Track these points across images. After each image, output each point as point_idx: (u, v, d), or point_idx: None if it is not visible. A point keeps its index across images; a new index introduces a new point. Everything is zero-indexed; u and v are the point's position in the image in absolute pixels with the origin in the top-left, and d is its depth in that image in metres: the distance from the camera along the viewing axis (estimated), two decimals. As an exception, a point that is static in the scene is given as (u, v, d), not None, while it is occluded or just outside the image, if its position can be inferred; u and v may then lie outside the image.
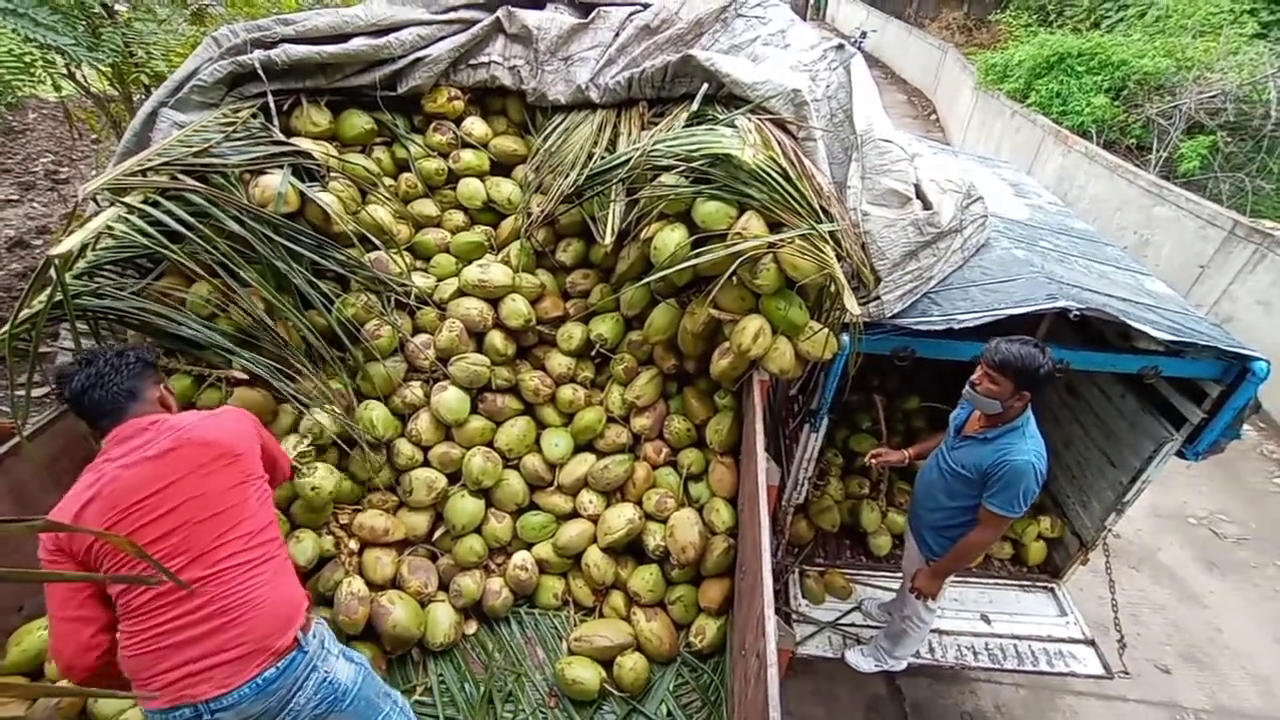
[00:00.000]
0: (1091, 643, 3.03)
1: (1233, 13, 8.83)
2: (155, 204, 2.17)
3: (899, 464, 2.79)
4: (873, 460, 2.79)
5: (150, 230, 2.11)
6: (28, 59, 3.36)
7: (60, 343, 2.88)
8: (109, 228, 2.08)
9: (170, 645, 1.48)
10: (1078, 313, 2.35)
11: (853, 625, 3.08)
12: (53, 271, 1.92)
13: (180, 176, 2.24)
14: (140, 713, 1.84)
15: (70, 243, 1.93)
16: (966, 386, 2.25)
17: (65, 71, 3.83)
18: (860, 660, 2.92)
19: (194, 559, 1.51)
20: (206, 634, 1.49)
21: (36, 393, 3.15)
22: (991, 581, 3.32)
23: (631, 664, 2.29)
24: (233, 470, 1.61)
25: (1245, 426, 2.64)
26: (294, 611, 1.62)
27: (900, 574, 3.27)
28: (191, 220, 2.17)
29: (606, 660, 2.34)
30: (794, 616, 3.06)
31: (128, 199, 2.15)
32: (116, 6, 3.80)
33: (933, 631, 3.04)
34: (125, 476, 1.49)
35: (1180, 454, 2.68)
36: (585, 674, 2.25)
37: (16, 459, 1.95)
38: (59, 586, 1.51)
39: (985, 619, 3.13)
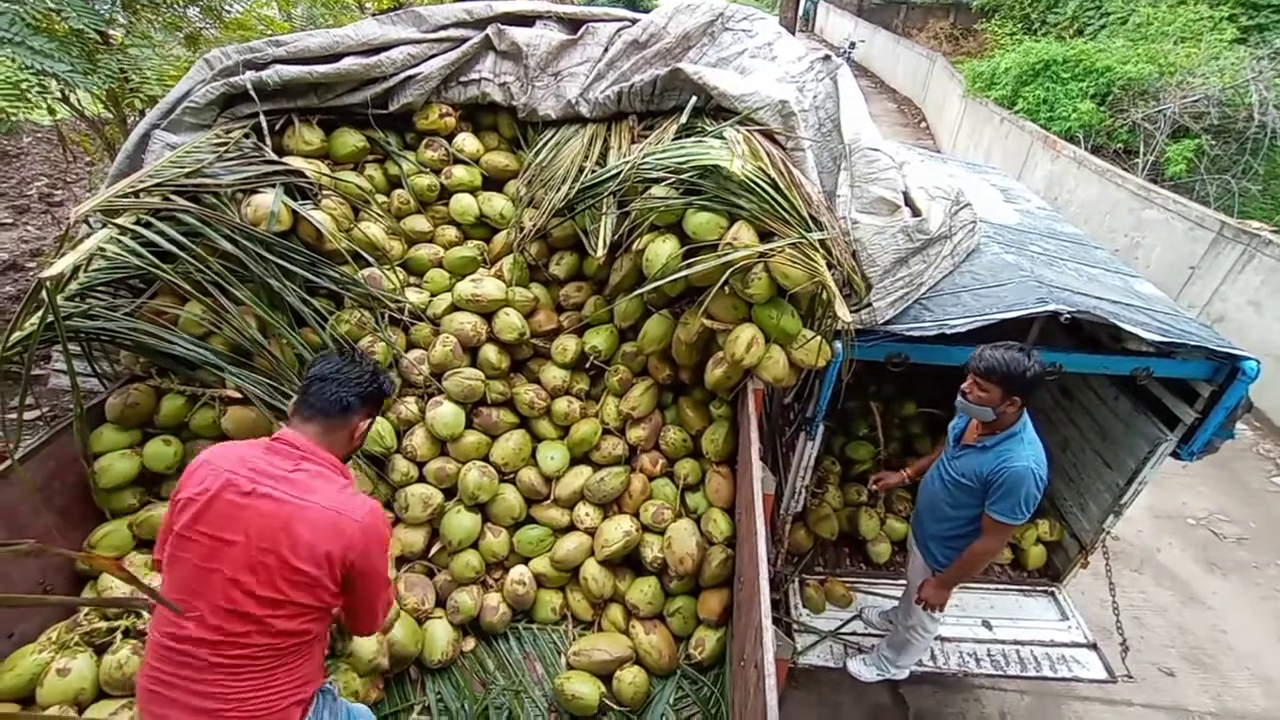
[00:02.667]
0: (1094, 646, 3.01)
1: (1212, 19, 8.99)
2: (148, 225, 2.17)
3: (900, 485, 2.79)
4: (876, 485, 2.79)
5: (142, 251, 2.11)
6: (23, 85, 3.38)
7: (53, 365, 2.88)
8: (101, 249, 2.08)
9: (164, 685, 1.41)
10: (1068, 316, 2.36)
11: (854, 634, 3.06)
12: (44, 294, 1.92)
13: (172, 197, 2.25)
14: None
15: (62, 264, 1.94)
16: (959, 396, 2.25)
17: (60, 96, 3.86)
18: (862, 669, 2.90)
19: (199, 623, 1.40)
20: (194, 710, 1.39)
21: (29, 416, 3.14)
22: (992, 587, 3.30)
23: (631, 678, 2.27)
24: (287, 586, 1.42)
25: (1240, 426, 2.65)
26: (299, 708, 1.50)
27: (902, 582, 3.26)
28: (184, 240, 2.17)
29: (606, 674, 2.31)
30: (794, 626, 3.03)
31: (120, 220, 2.16)
32: (111, 32, 3.84)
33: (934, 639, 3.02)
34: (240, 502, 1.41)
35: (1176, 454, 2.68)
36: (584, 689, 2.23)
37: (7, 482, 1.94)
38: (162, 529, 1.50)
39: (987, 625, 3.11)
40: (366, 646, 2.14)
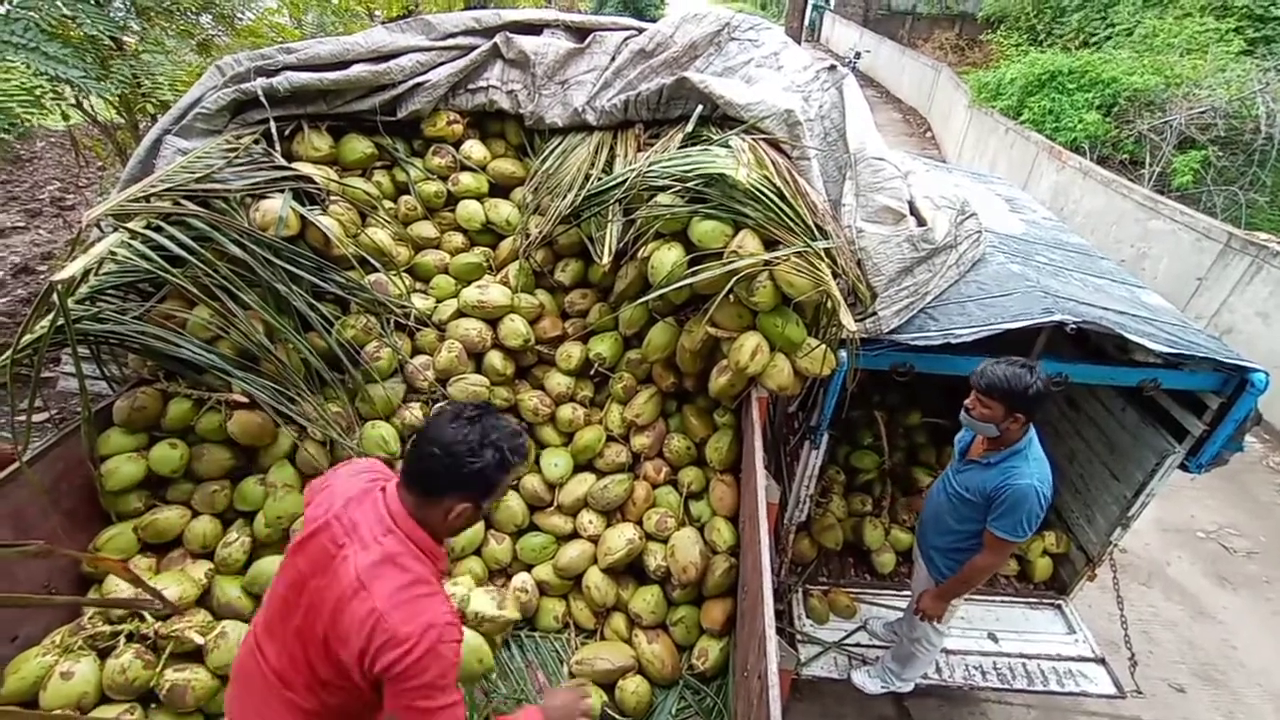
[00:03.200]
0: (1102, 661, 2.97)
1: (1218, 31, 8.99)
2: (158, 229, 2.19)
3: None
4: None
5: (152, 255, 2.13)
6: (37, 91, 3.42)
7: (62, 368, 2.90)
8: (112, 253, 2.10)
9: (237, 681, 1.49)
10: (1074, 326, 2.35)
11: (858, 645, 3.03)
12: (55, 297, 1.94)
13: (183, 202, 2.27)
14: None
15: (73, 268, 1.95)
16: (962, 412, 2.24)
17: (73, 101, 3.91)
18: (867, 681, 2.87)
19: (273, 654, 1.39)
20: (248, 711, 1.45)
21: (37, 418, 3.16)
22: (998, 599, 3.27)
23: (634, 687, 2.26)
24: (333, 671, 1.34)
25: (1249, 438, 2.63)
26: None
27: (907, 593, 3.24)
28: (193, 244, 2.19)
29: (608, 684, 2.30)
30: (798, 637, 3.01)
31: (131, 224, 2.18)
32: (125, 38, 3.89)
33: (940, 651, 2.99)
34: (326, 553, 1.33)
35: (1184, 466, 2.66)
36: (586, 698, 2.21)
37: (16, 484, 1.95)
38: None
39: (993, 638, 3.08)
40: None
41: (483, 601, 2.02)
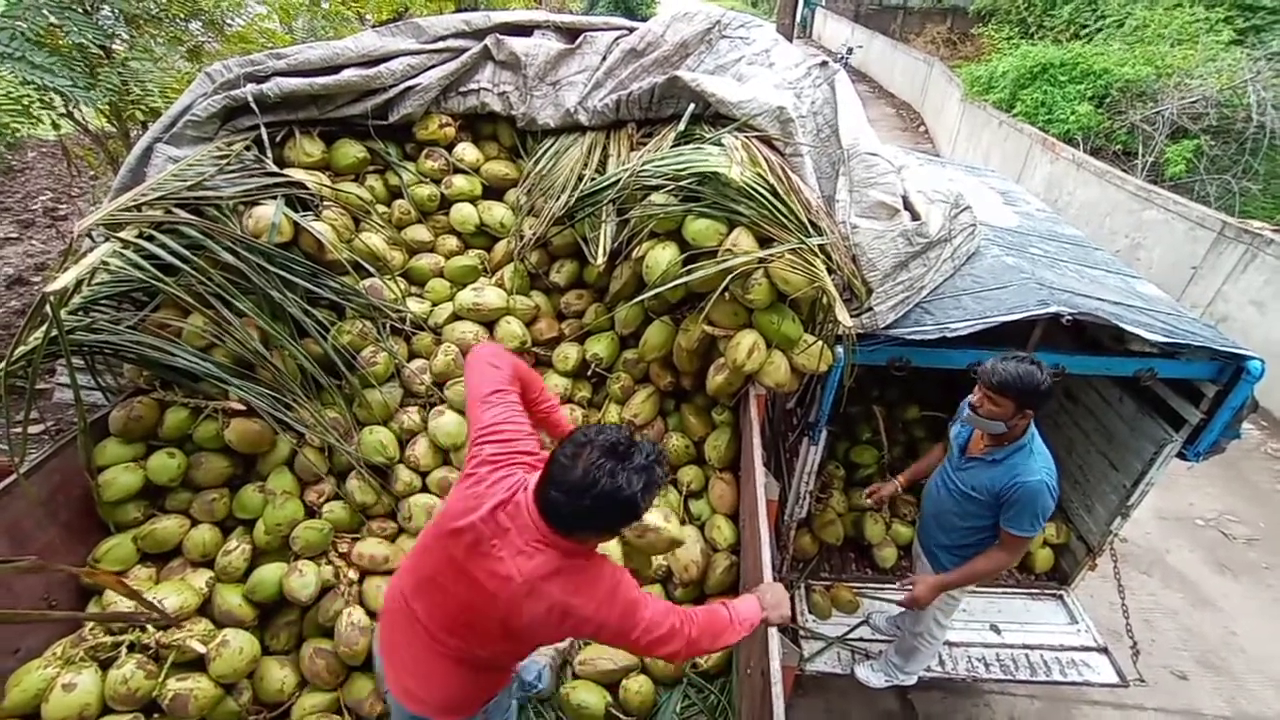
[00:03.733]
0: (1104, 650, 2.98)
1: (1208, 21, 9.01)
2: (150, 238, 2.19)
3: (895, 493, 2.77)
4: (871, 498, 2.77)
5: (145, 264, 2.12)
6: (25, 101, 3.41)
7: (57, 379, 2.89)
8: (104, 263, 2.09)
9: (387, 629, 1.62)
10: (1070, 317, 2.36)
11: (861, 640, 3.04)
12: (48, 308, 1.93)
13: (175, 210, 2.26)
14: None
15: (65, 279, 1.94)
16: (966, 409, 2.22)
17: (64, 111, 3.90)
18: (870, 676, 2.87)
19: (425, 615, 1.52)
20: (398, 662, 1.57)
21: (33, 430, 3.15)
22: (1000, 591, 3.28)
23: (637, 687, 2.25)
24: (512, 636, 1.44)
25: (1246, 426, 2.64)
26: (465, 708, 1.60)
27: (909, 586, 3.24)
28: (186, 253, 2.18)
29: (612, 683, 2.30)
30: (801, 633, 3.01)
31: (123, 234, 2.17)
32: (114, 46, 3.87)
33: (942, 644, 3.00)
34: (477, 549, 1.38)
35: (1181, 455, 2.67)
36: (590, 698, 2.21)
37: (12, 496, 1.94)
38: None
39: (995, 629, 3.09)
40: None
41: (652, 516, 2.05)
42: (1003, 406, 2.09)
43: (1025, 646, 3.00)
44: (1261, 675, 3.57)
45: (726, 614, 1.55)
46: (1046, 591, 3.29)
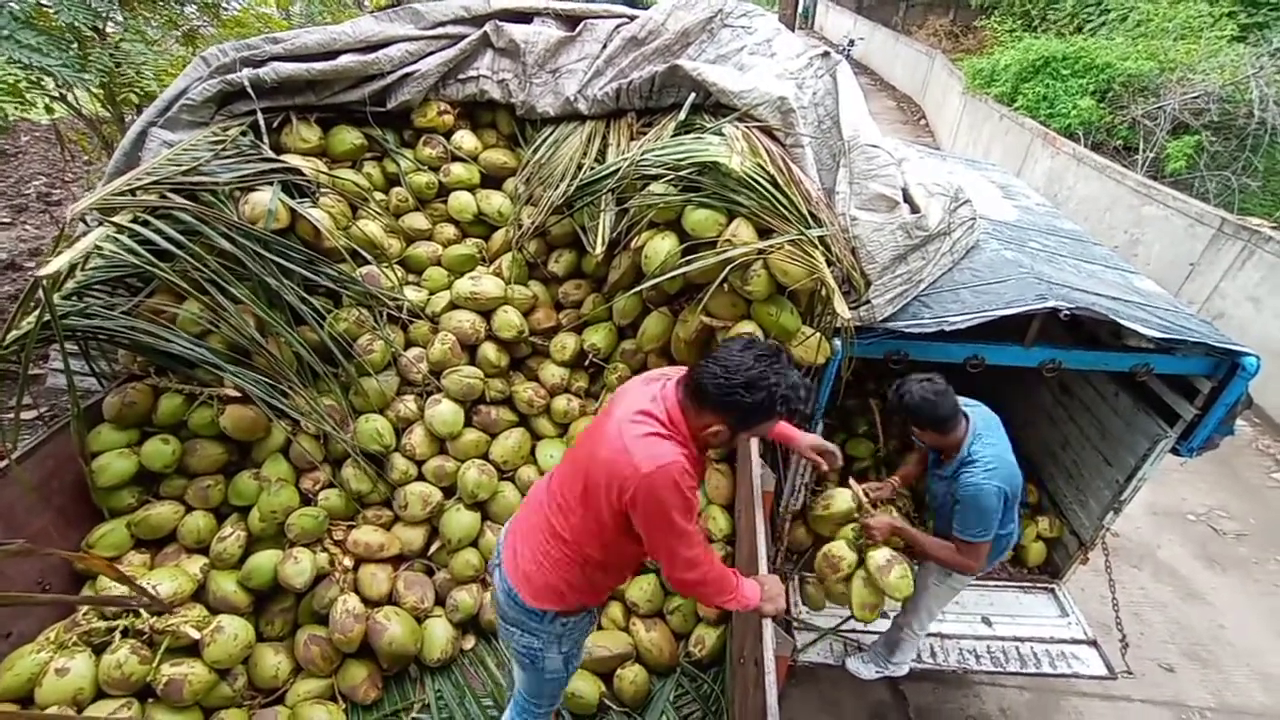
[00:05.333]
0: (1094, 643, 3.01)
1: (1212, 16, 8.96)
2: (145, 223, 2.17)
3: (891, 495, 2.75)
4: (867, 498, 2.76)
5: (139, 249, 2.10)
6: (13, 80, 3.36)
7: (50, 364, 2.88)
8: (98, 247, 2.08)
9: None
10: (1068, 312, 2.36)
11: (854, 632, 3.06)
12: (41, 292, 1.91)
13: (170, 195, 2.24)
14: None
15: (58, 263, 1.93)
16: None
17: (57, 94, 3.85)
18: (861, 667, 2.90)
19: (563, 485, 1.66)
20: (517, 540, 1.75)
21: (26, 415, 3.13)
22: (992, 583, 3.30)
23: (632, 676, 2.27)
24: (584, 505, 1.58)
25: (1239, 422, 2.64)
26: (539, 599, 1.68)
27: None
28: (181, 238, 2.16)
29: (606, 672, 2.31)
30: (794, 624, 3.03)
31: (117, 218, 2.15)
32: (107, 29, 3.82)
33: (934, 635, 3.02)
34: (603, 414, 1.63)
35: (1175, 451, 2.68)
36: (584, 686, 2.23)
37: (5, 482, 1.94)
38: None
39: (986, 621, 3.11)
40: None
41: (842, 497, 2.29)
42: (921, 431, 2.25)
43: (1016, 639, 3.02)
44: (1247, 668, 3.62)
45: (734, 581, 1.66)
46: (1038, 585, 3.32)
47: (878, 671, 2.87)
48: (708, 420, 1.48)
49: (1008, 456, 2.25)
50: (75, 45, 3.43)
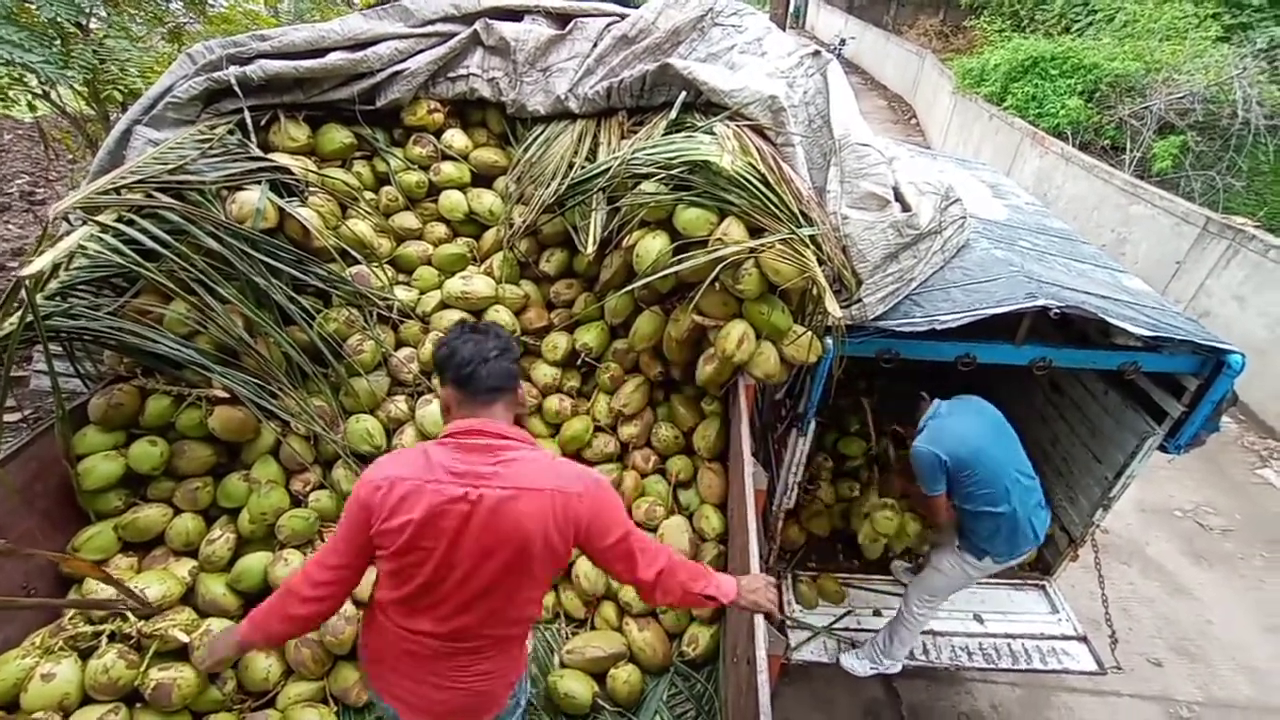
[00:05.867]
0: (1084, 639, 3.04)
1: (1197, 17, 9.07)
2: (130, 222, 2.14)
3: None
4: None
5: (124, 249, 2.07)
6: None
7: (34, 366, 2.84)
8: (82, 247, 2.04)
9: (388, 661, 1.57)
10: (1058, 311, 2.38)
11: (847, 630, 3.07)
12: (24, 292, 1.89)
13: (155, 194, 2.21)
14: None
15: (41, 263, 1.90)
16: None
17: (40, 91, 3.79)
18: (855, 664, 2.91)
19: (433, 623, 1.49)
20: (419, 682, 1.55)
21: (10, 418, 3.09)
22: (984, 581, 3.33)
23: (625, 676, 2.26)
24: (522, 575, 1.48)
25: (1225, 419, 2.67)
26: (500, 695, 1.64)
27: (889, 577, 3.30)
28: (167, 238, 2.14)
29: (600, 672, 2.31)
30: (787, 622, 3.04)
31: (101, 217, 2.12)
32: (91, 25, 3.77)
33: (927, 633, 3.04)
34: (444, 516, 1.39)
35: (1163, 448, 2.71)
36: (577, 687, 2.22)
37: (-12, 485, 1.91)
38: (340, 542, 1.49)
39: (978, 619, 3.14)
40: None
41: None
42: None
43: (1008, 635, 3.05)
44: (1233, 662, 3.66)
45: (704, 568, 1.66)
46: (1029, 582, 3.34)
47: (872, 668, 2.89)
48: (518, 395, 1.59)
49: (955, 428, 2.54)
50: (58, 41, 3.38)
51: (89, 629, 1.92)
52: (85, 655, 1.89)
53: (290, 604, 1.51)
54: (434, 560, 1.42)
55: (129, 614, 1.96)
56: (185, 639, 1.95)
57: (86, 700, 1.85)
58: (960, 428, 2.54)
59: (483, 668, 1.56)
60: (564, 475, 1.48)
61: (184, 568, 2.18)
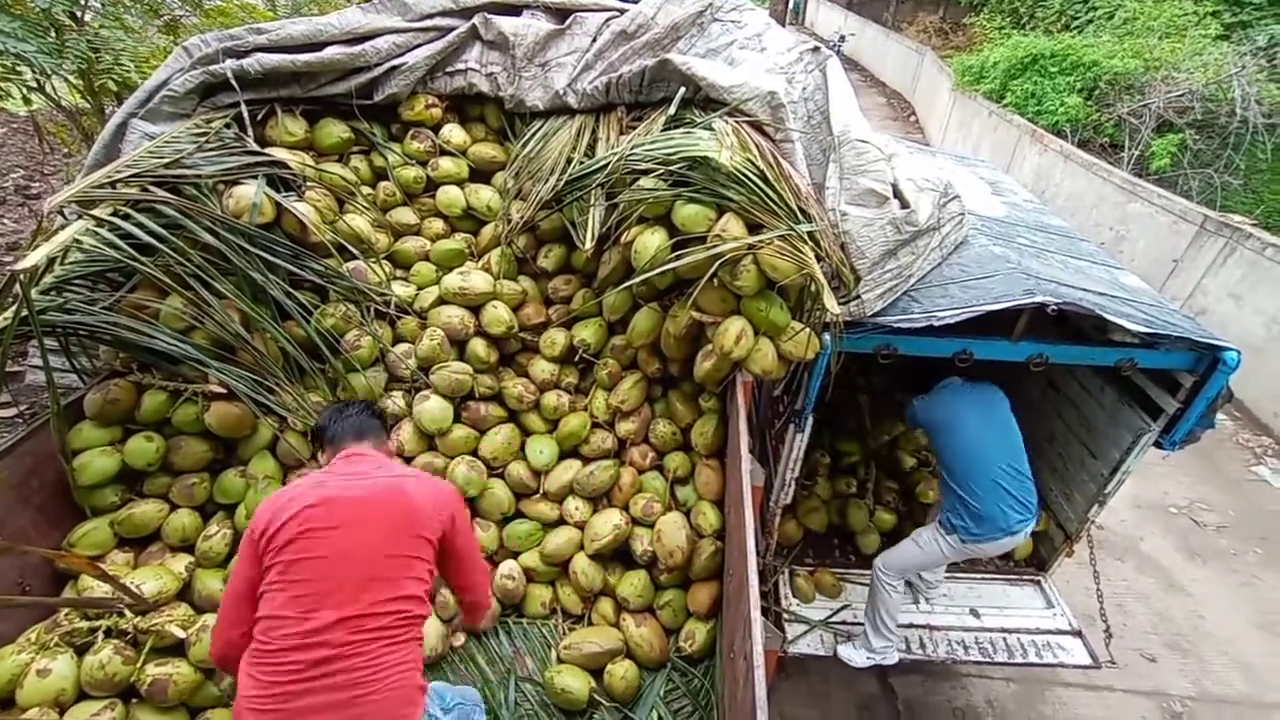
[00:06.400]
0: (1079, 634, 3.05)
1: (1196, 14, 9.07)
2: (126, 216, 2.13)
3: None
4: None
5: (120, 243, 2.07)
6: (-10, 69, 3.29)
7: (30, 361, 2.83)
8: (77, 241, 2.04)
9: (294, 696, 1.41)
10: (1055, 307, 2.38)
11: (843, 624, 3.08)
12: (18, 286, 1.88)
13: (151, 188, 2.20)
14: None
15: (36, 257, 1.89)
16: None
17: (34, 84, 3.76)
18: (852, 653, 2.92)
19: (337, 608, 1.47)
20: (334, 704, 1.42)
21: (4, 413, 3.08)
22: (980, 576, 3.34)
23: (622, 671, 2.27)
24: (413, 542, 1.59)
25: (1220, 416, 2.69)
26: (415, 692, 1.55)
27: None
28: (163, 232, 2.13)
29: (597, 668, 2.31)
30: (784, 616, 3.05)
31: (97, 211, 2.11)
32: (85, 15, 3.74)
33: (923, 628, 3.05)
34: (337, 500, 1.56)
35: (1158, 444, 2.72)
36: (574, 683, 2.23)
37: (-17, 480, 1.90)
38: (238, 581, 1.55)
39: (974, 613, 3.15)
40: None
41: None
42: None
43: (1003, 630, 3.06)
44: (1226, 657, 3.68)
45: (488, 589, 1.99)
46: (1025, 577, 3.36)
47: (869, 658, 2.89)
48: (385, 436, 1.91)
49: (950, 400, 2.73)
50: (52, 31, 3.35)
51: (85, 625, 1.92)
52: (81, 651, 1.89)
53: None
54: (332, 538, 1.50)
55: (125, 610, 1.95)
56: (181, 635, 1.95)
57: (82, 696, 1.85)
58: (955, 401, 2.73)
59: (395, 656, 1.49)
60: (438, 479, 1.82)
61: (180, 563, 2.18)
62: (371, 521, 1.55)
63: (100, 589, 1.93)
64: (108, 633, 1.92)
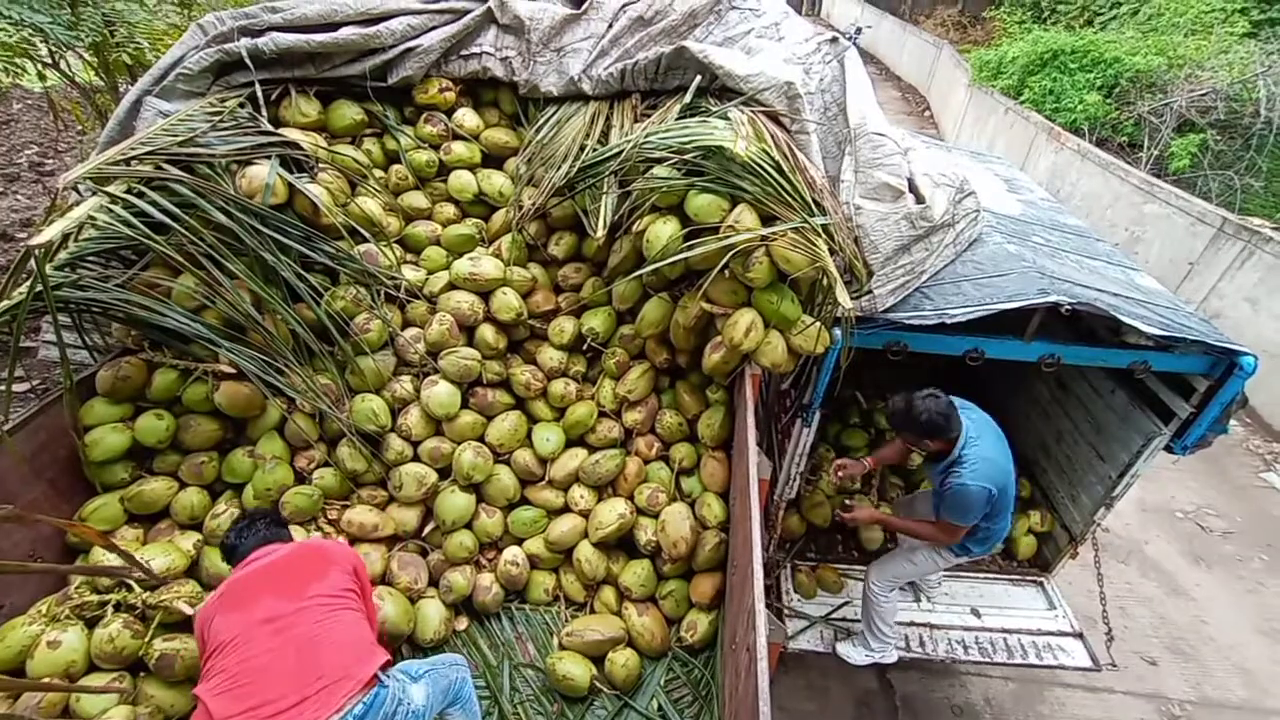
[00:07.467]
0: (1080, 635, 3.05)
1: (1224, 11, 8.88)
2: (139, 194, 2.13)
3: (862, 474, 2.93)
4: (838, 474, 2.88)
5: (134, 221, 2.07)
6: (3, 36, 3.28)
7: (42, 336, 2.85)
8: (91, 218, 2.04)
9: (254, 683, 1.56)
10: (1069, 307, 2.35)
11: (844, 620, 3.09)
12: (33, 262, 1.88)
13: (165, 166, 2.20)
14: (125, 712, 1.82)
15: (50, 233, 1.89)
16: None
17: (49, 61, 3.76)
18: (852, 651, 2.93)
19: (286, 599, 1.68)
20: (291, 670, 1.58)
21: (19, 388, 3.11)
22: (982, 576, 3.34)
23: (623, 660, 2.29)
24: (324, 566, 1.82)
25: (1232, 422, 2.66)
26: (372, 649, 1.73)
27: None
28: (177, 211, 2.13)
29: (598, 655, 2.33)
30: (785, 611, 3.06)
31: (110, 188, 2.11)
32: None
33: (924, 626, 3.06)
34: (248, 573, 1.76)
35: (1168, 448, 2.69)
36: (575, 670, 2.24)
37: (-3, 453, 1.92)
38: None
39: (975, 613, 3.15)
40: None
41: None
42: (905, 437, 2.48)
43: (1004, 630, 3.06)
44: (1227, 663, 3.68)
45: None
46: (1028, 578, 3.35)
47: (867, 656, 2.90)
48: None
49: (995, 458, 2.42)
50: (67, 4, 3.35)
51: (95, 598, 1.94)
52: (91, 624, 1.92)
53: None
54: (264, 565, 1.76)
55: (134, 585, 1.98)
56: (189, 610, 1.97)
57: (92, 668, 1.88)
58: (993, 453, 2.44)
59: (344, 618, 1.71)
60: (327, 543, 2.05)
61: (188, 541, 2.20)
62: (286, 572, 1.76)
63: (110, 559, 1.95)
64: (117, 607, 1.95)
